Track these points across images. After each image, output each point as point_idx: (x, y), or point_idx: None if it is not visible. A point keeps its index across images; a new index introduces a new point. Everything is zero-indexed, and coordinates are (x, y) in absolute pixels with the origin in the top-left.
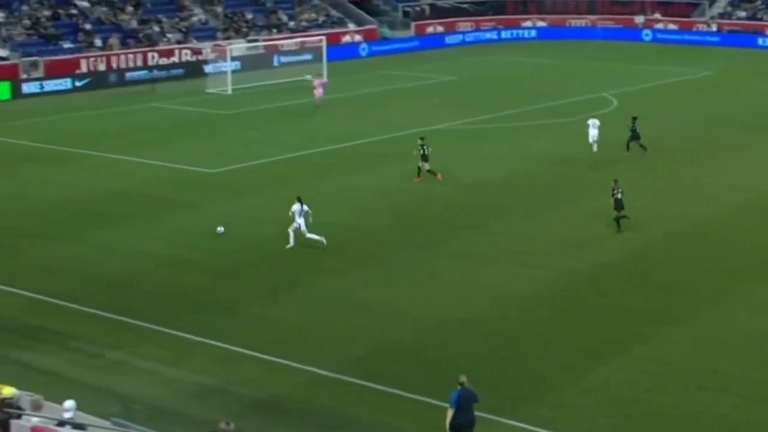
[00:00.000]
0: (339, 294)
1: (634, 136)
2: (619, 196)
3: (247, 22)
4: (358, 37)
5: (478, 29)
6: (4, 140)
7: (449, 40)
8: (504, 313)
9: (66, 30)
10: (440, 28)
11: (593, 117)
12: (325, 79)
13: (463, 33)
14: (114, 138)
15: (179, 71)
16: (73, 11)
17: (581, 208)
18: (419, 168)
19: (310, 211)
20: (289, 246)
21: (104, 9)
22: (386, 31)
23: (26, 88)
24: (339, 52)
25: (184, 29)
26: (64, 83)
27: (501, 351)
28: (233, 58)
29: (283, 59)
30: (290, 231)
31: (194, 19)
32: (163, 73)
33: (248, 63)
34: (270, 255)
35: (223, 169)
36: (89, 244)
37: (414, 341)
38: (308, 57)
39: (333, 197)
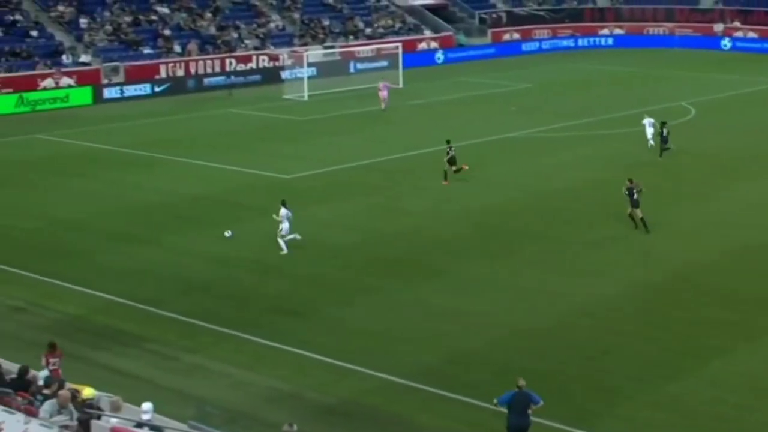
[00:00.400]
0: (413, 301)
1: (663, 140)
2: (635, 195)
3: (323, 28)
4: (434, 44)
5: (554, 37)
6: (85, 144)
7: (526, 47)
8: (577, 323)
9: (146, 36)
10: (517, 36)
11: (648, 116)
12: (389, 83)
13: (540, 40)
14: (192, 143)
15: (256, 77)
16: (153, 17)
17: (658, 219)
18: (446, 171)
19: (291, 216)
20: (283, 252)
21: (183, 15)
22: (462, 39)
23: (107, 93)
24: (415, 59)
25: (261, 35)
26: (144, 88)
27: (573, 361)
28: (310, 65)
29: (360, 66)
30: (279, 239)
31: (272, 25)
32: (241, 79)
33: (324, 69)
34: (345, 261)
35: (299, 175)
36: (167, 248)
37: (486, 349)
38: (384, 64)
39: (407, 204)
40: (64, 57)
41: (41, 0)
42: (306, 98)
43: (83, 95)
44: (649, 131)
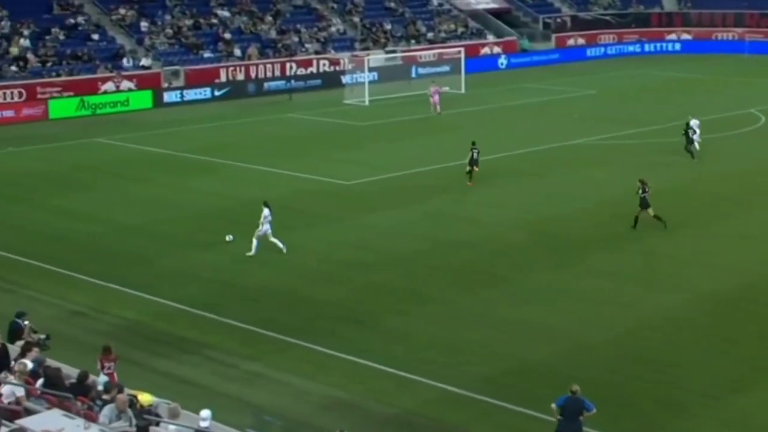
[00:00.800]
0: (474, 311)
1: (688, 140)
2: (644, 195)
3: (385, 32)
4: (497, 49)
5: (620, 42)
6: (145, 148)
7: (590, 52)
8: (644, 335)
9: (206, 39)
10: (581, 41)
11: (694, 118)
12: (439, 87)
13: (605, 45)
14: (252, 148)
15: (317, 81)
16: (214, 21)
17: (728, 229)
18: (469, 172)
19: (270, 218)
20: (250, 253)
21: (244, 19)
22: (526, 43)
23: (167, 97)
24: (477, 64)
25: (322, 39)
26: (204, 92)
27: (639, 374)
28: (371, 69)
29: (421, 71)
30: (254, 239)
31: (333, 29)
32: (301, 84)
33: (386, 74)
34: (407, 269)
35: (359, 181)
36: (227, 254)
37: (550, 361)
38: (446, 69)
39: (469, 212)
40: (124, 60)
41: (103, 3)
42: (367, 103)
43: (143, 99)
44: (694, 133)
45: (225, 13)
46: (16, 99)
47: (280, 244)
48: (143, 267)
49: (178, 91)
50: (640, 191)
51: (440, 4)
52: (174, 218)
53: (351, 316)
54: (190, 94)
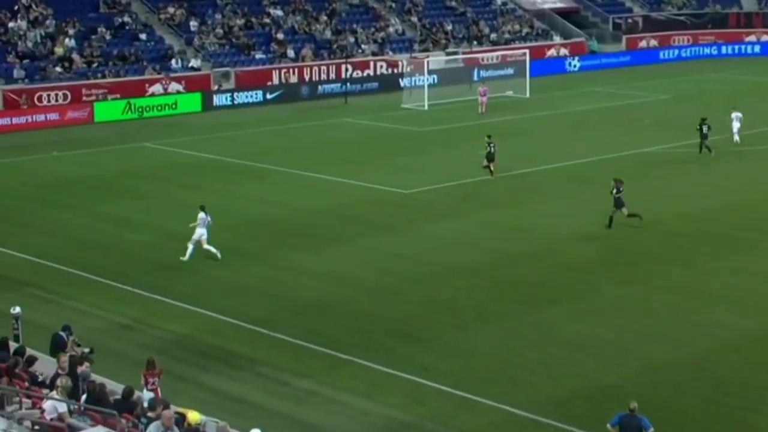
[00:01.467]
0: (540, 327)
1: (702, 136)
2: (619, 195)
3: (446, 33)
4: (564, 51)
5: (695, 44)
6: (194, 153)
7: (663, 55)
8: (719, 356)
9: (258, 40)
10: (654, 42)
11: (736, 110)
12: (489, 89)
13: (679, 48)
14: (306, 154)
15: (373, 84)
16: (266, 20)
17: None
18: (486, 166)
19: (211, 222)
20: (184, 259)
21: (298, 18)
22: (595, 45)
23: (217, 99)
24: (543, 66)
25: (379, 40)
26: (255, 95)
27: (713, 397)
28: (430, 72)
29: (484, 74)
30: (190, 244)
31: (390, 29)
32: (357, 87)
33: (446, 77)
34: (467, 283)
35: (418, 190)
36: (279, 265)
37: (619, 382)
38: (510, 72)
39: (532, 224)
40: (173, 62)
41: (151, 1)
42: (426, 108)
43: (192, 102)
44: (736, 125)
45: (278, 12)
46: (60, 101)
47: (214, 250)
48: (191, 278)
49: (229, 94)
50: (614, 191)
51: (504, 4)
52: (223, 227)
53: (408, 331)
54: (241, 97)
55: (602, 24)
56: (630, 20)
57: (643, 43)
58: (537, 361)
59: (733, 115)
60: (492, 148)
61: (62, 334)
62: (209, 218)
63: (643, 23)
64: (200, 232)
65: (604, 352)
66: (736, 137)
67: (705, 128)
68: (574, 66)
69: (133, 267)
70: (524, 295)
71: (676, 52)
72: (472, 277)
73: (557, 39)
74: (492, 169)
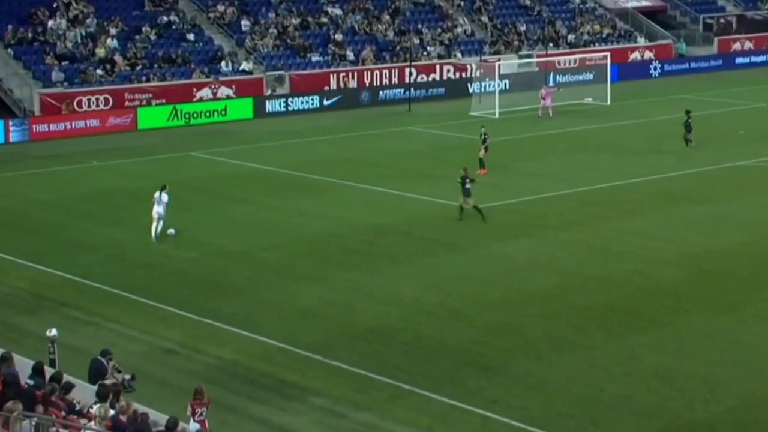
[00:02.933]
0: (623, 358)
1: (687, 129)
2: (468, 185)
3: (519, 34)
4: (648, 54)
5: None
6: (245, 164)
7: (759, 59)
8: None
9: (315, 41)
10: (749, 45)
11: None
12: (553, 87)
13: None
14: (366, 165)
15: (440, 90)
16: (324, 20)
17: None
18: (481, 160)
19: (167, 203)
20: (171, 231)
21: (358, 18)
22: (683, 48)
23: (270, 105)
24: (626, 71)
25: (446, 42)
26: (311, 101)
27: None
28: (502, 77)
29: (560, 79)
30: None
31: (459, 30)
32: (422, 92)
33: (519, 82)
34: (542, 308)
35: (488, 206)
36: (337, 286)
37: (709, 419)
38: (589, 77)
39: (613, 244)
40: (222, 64)
41: None
42: (497, 116)
43: (243, 108)
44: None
45: (336, 11)
46: (101, 106)
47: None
48: (242, 299)
49: (283, 100)
50: (465, 181)
51: (583, 2)
52: (277, 244)
53: (478, 361)
54: (296, 103)
55: (691, 24)
56: (723, 20)
57: (737, 46)
58: (618, 395)
59: None
60: (486, 138)
61: (102, 359)
62: (165, 198)
63: (737, 23)
64: (157, 210)
65: (692, 386)
66: None
67: (689, 120)
68: (660, 71)
69: (180, 287)
70: (603, 322)
71: None
72: (545, 302)
73: (641, 41)
74: (485, 158)
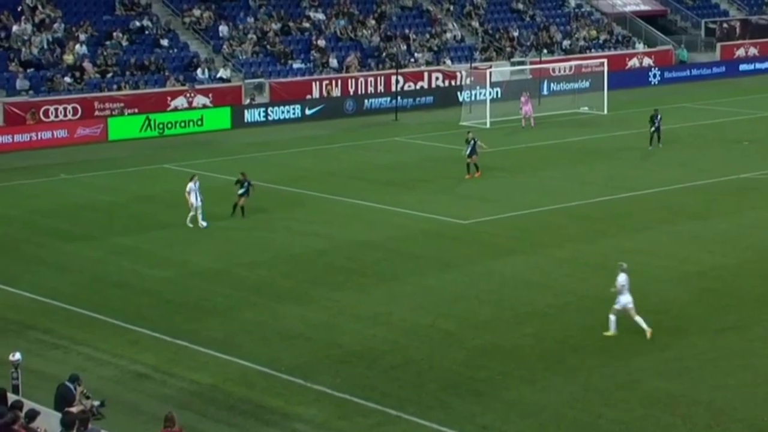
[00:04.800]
0: (619, 381)
1: (657, 128)
2: (249, 187)
3: (511, 40)
4: (647, 61)
5: None
6: (222, 177)
7: (764, 65)
8: None
9: (297, 47)
10: (754, 51)
11: None
12: (530, 95)
13: None
14: (351, 178)
15: (428, 99)
16: (306, 25)
17: None
18: (468, 164)
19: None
20: (204, 225)
21: (342, 22)
22: (684, 54)
23: (249, 115)
24: (624, 78)
25: (435, 48)
26: (293, 110)
27: None
28: (493, 84)
29: (555, 87)
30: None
31: (448, 35)
32: (409, 101)
33: (511, 90)
34: (536, 329)
35: (479, 220)
36: (320, 306)
37: None
38: (585, 84)
39: (613, 260)
40: (199, 72)
41: (174, 2)
42: (488, 125)
43: (221, 118)
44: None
45: (319, 16)
46: (69, 116)
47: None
48: (220, 320)
49: (262, 109)
50: (239, 183)
51: (579, 6)
52: (257, 262)
53: (467, 384)
54: (277, 113)
55: (693, 30)
56: (726, 25)
57: (740, 52)
58: (617, 422)
59: None
60: (474, 142)
61: (69, 384)
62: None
63: (741, 28)
64: (193, 201)
65: (695, 411)
66: None
67: (657, 120)
68: (660, 78)
69: (153, 307)
70: (602, 343)
71: None
72: (541, 322)
73: (640, 47)
74: (473, 163)
